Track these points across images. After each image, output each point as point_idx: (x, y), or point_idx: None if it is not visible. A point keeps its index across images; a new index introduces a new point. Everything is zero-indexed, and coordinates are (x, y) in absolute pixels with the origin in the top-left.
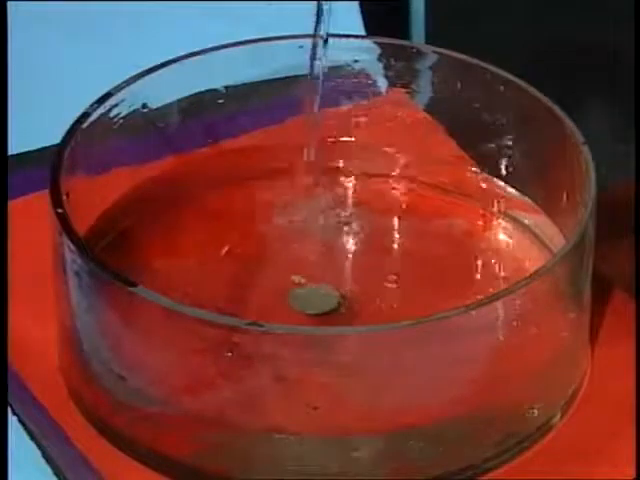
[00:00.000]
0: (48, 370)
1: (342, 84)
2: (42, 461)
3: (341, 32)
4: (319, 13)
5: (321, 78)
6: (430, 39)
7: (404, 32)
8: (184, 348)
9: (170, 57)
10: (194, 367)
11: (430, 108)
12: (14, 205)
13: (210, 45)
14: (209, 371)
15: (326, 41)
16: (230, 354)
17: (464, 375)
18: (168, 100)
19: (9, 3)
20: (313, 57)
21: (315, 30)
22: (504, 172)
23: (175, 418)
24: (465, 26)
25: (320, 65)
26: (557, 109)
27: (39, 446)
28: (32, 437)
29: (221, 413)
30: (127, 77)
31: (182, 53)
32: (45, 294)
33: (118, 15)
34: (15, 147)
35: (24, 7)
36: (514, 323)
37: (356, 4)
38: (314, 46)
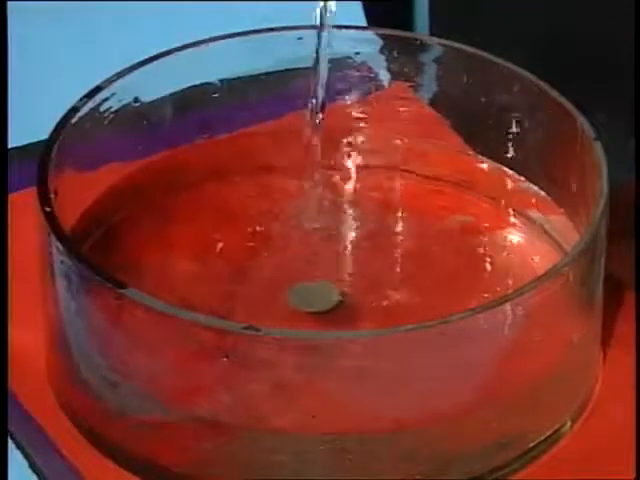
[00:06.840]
0: (36, 377)
1: (343, 77)
2: (29, 472)
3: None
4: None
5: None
6: (434, 30)
7: (407, 23)
8: (177, 353)
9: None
10: (188, 373)
11: (435, 102)
12: (14, 198)
13: (205, 37)
14: (204, 376)
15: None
16: (226, 359)
17: (469, 381)
18: (161, 94)
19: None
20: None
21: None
22: (510, 167)
23: (169, 426)
24: (470, 17)
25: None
26: (567, 103)
27: (26, 456)
28: (19, 446)
29: (217, 420)
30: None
31: (176, 45)
32: (35, 296)
33: (114, 6)
34: (15, 140)
35: (22, 4)
36: (523, 326)
37: None
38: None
